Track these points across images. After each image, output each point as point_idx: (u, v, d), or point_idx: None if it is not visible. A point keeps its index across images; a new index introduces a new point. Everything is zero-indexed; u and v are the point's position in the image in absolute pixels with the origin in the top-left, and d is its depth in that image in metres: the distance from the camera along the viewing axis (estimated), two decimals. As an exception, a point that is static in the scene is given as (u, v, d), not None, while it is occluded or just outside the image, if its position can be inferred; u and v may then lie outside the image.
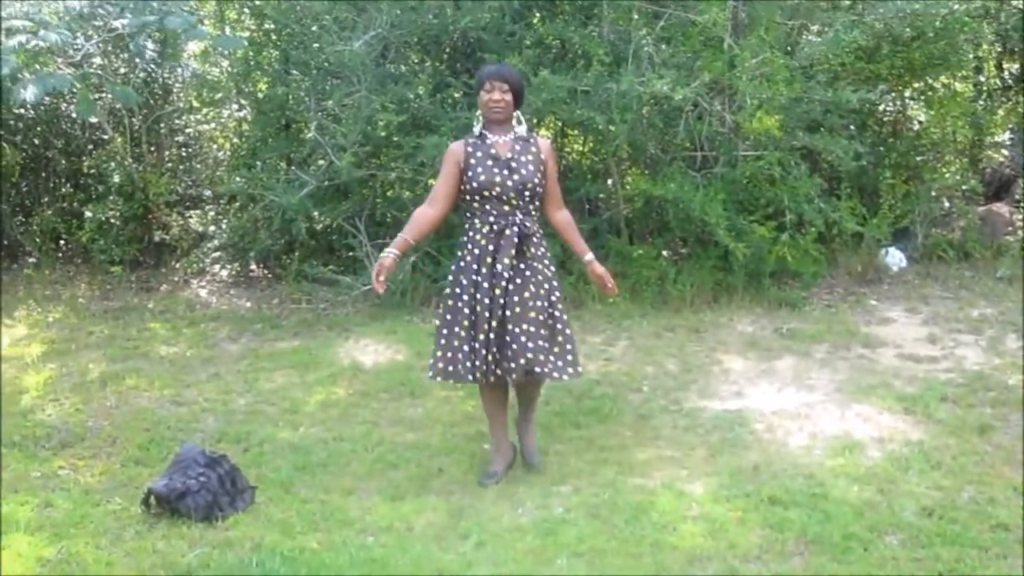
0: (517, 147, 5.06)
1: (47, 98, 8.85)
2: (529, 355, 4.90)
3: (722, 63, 8.07)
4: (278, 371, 7.11)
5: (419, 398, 6.50)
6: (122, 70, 10.07)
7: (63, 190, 10.72)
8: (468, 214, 5.13)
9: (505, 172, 4.98)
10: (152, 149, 10.41)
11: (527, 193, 5.01)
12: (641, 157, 9.11)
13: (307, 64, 8.93)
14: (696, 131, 8.43)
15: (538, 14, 8.94)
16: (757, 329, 7.81)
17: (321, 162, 8.62)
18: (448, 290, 5.15)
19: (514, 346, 4.91)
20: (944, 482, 5.09)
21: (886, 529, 4.61)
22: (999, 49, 10.81)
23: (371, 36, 8.32)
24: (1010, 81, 11.15)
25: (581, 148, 9.91)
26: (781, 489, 5.00)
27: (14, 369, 7.17)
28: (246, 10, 10.06)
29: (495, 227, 5.00)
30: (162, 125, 10.53)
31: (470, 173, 5.00)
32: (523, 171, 5.00)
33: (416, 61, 9.36)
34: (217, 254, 9.88)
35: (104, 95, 9.85)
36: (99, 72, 9.44)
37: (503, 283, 4.95)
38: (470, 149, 5.06)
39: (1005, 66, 11.20)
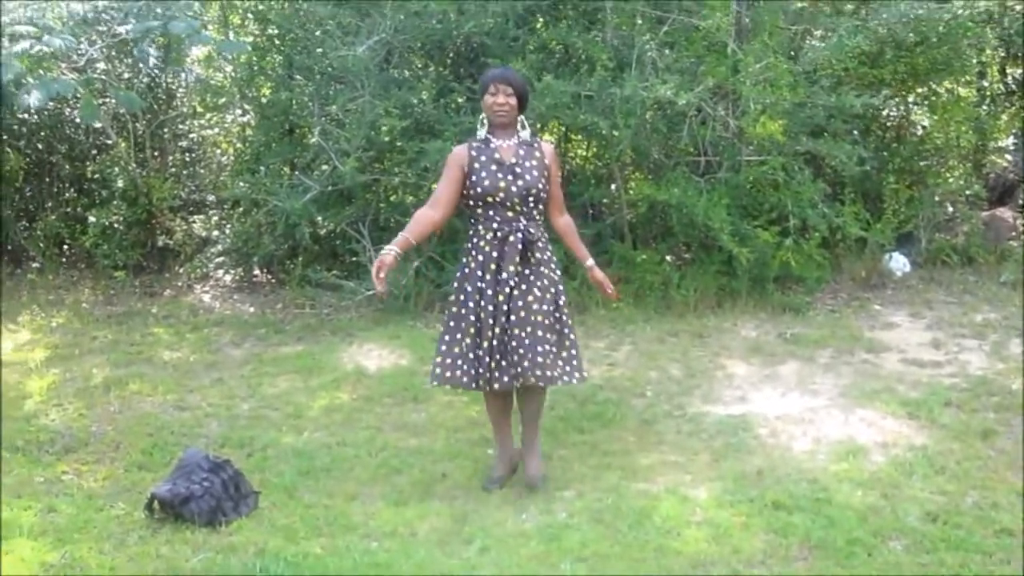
0: (521, 152, 5.02)
1: (51, 103, 8.87)
2: (535, 359, 4.86)
3: (726, 68, 8.06)
4: (282, 376, 7.12)
5: (423, 403, 6.50)
6: (126, 75, 10.08)
7: (67, 195, 10.73)
8: (472, 220, 5.09)
9: (509, 177, 4.95)
10: (156, 154, 10.41)
11: (531, 199, 4.98)
12: (645, 162, 9.11)
13: (311, 69, 8.94)
14: (700, 136, 8.43)
15: (542, 19, 8.94)
16: (761, 334, 7.81)
17: (325, 167, 8.63)
18: (453, 297, 5.12)
19: (520, 351, 4.87)
20: (948, 487, 5.08)
21: (890, 534, 4.61)
22: (1002, 54, 10.80)
23: (375, 41, 8.33)
24: (1013, 86, 11.14)
25: (585, 153, 9.91)
26: (785, 494, 5.00)
27: (17, 374, 7.17)
28: (250, 15, 10.07)
29: (499, 233, 4.96)
30: (166, 130, 10.53)
31: (474, 178, 4.96)
32: (527, 176, 4.96)
33: (420, 66, 9.37)
34: (221, 259, 9.88)
35: (108, 100, 9.86)
36: (103, 77, 9.45)
37: (507, 290, 4.92)
38: (474, 153, 5.01)
39: (1008, 71, 11.18)
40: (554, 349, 4.98)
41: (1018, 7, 9.45)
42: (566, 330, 5.09)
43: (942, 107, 9.88)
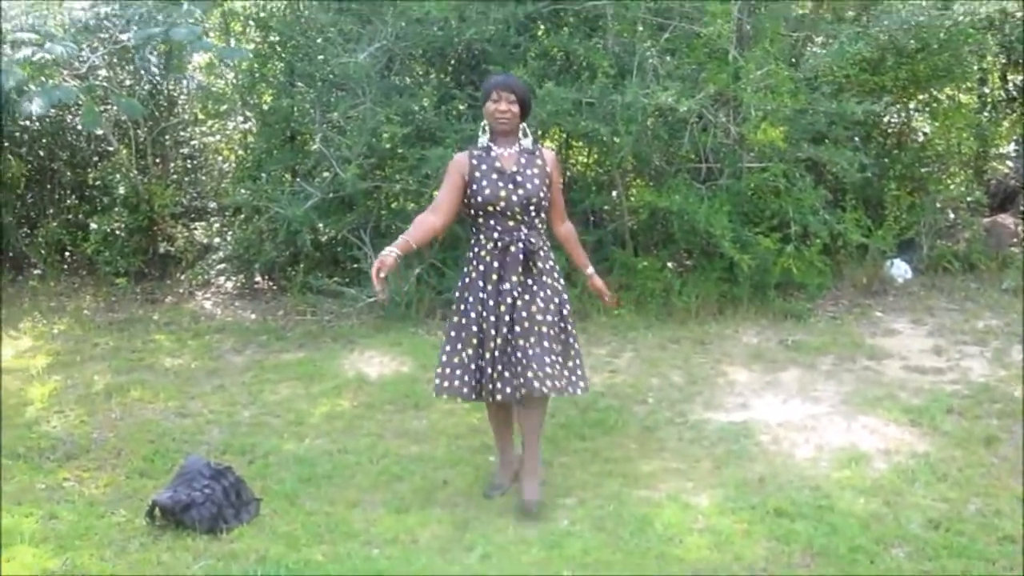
0: (523, 160, 4.96)
1: (52, 110, 8.88)
2: (539, 371, 4.80)
3: (727, 75, 8.06)
4: (283, 383, 7.11)
5: (424, 410, 6.49)
6: (127, 82, 10.10)
7: (68, 202, 10.75)
8: (473, 229, 5.05)
9: (510, 186, 4.89)
10: (157, 161, 10.42)
11: (532, 208, 4.93)
12: (646, 169, 9.11)
13: (312, 76, 8.95)
14: (701, 143, 8.43)
15: (543, 26, 8.93)
16: (762, 341, 7.80)
17: (326, 174, 8.63)
18: (454, 306, 5.09)
19: (524, 361, 4.81)
20: (950, 494, 5.08)
21: (892, 541, 4.61)
22: (1003, 61, 10.81)
23: (376, 48, 8.33)
24: (1015, 93, 11.15)
25: (586, 160, 9.91)
26: (787, 501, 4.99)
27: (19, 381, 7.17)
28: (251, 22, 10.07)
29: (499, 243, 4.92)
30: (167, 137, 10.54)
31: (475, 187, 4.91)
32: (528, 185, 4.90)
33: (421, 73, 9.37)
34: (222, 266, 9.88)
35: (109, 107, 9.87)
36: (104, 84, 9.46)
37: (509, 300, 4.87)
38: (475, 162, 4.96)
39: (1010, 78, 11.20)
40: (559, 359, 4.93)
41: (1019, 14, 9.45)
42: (570, 340, 5.06)
43: (943, 114, 9.89)
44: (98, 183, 10.44)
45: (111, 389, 6.96)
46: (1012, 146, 11.24)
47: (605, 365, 7.29)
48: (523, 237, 4.91)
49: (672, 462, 5.62)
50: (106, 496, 5.29)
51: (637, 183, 9.42)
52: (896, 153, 9.90)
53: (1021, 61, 10.67)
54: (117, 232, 9.95)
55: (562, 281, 5.11)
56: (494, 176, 4.91)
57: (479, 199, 4.89)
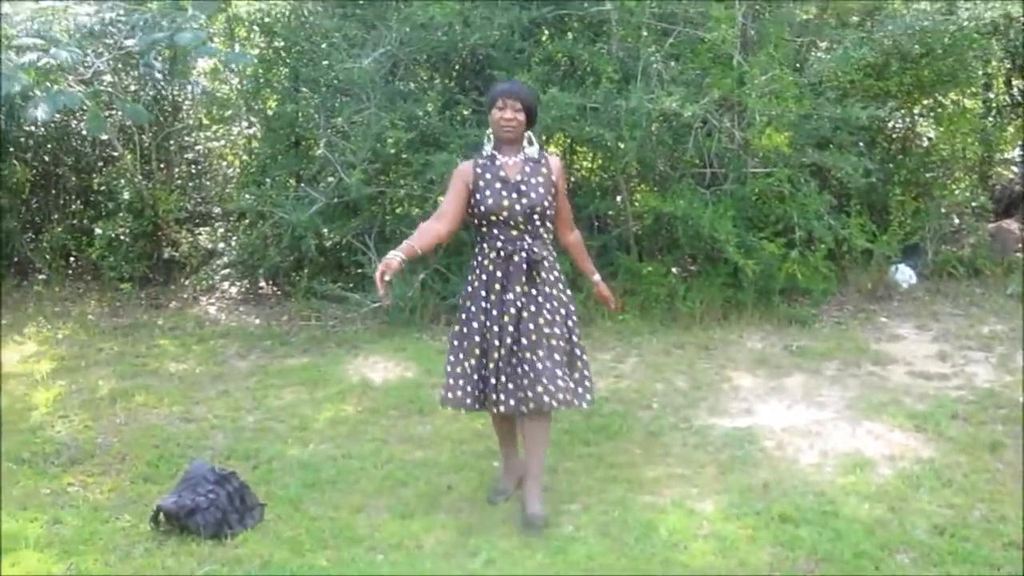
0: (527, 169, 4.90)
1: (57, 115, 8.89)
2: (548, 385, 4.76)
3: (731, 80, 8.06)
4: (287, 388, 7.11)
5: (428, 415, 6.49)
6: (132, 88, 10.11)
7: (73, 207, 10.76)
8: (478, 238, 5.00)
9: (514, 195, 4.83)
10: (162, 166, 10.44)
11: (536, 217, 4.86)
12: (650, 174, 9.12)
13: (316, 81, 8.97)
14: (705, 148, 8.43)
15: (547, 31, 8.94)
16: (767, 346, 7.80)
17: (330, 179, 8.63)
18: (458, 315, 5.06)
19: (532, 375, 4.76)
20: (955, 500, 5.07)
21: (897, 547, 4.60)
22: (1008, 66, 10.81)
23: (380, 53, 8.34)
24: (1019, 98, 11.14)
25: (590, 165, 9.91)
26: (791, 507, 4.99)
27: (24, 386, 7.18)
28: (256, 27, 10.08)
29: (502, 252, 4.86)
30: (172, 142, 10.55)
31: (478, 196, 4.86)
32: (532, 194, 4.84)
33: (425, 78, 9.38)
34: (226, 271, 9.89)
35: (114, 112, 9.89)
36: (109, 90, 9.47)
37: (513, 311, 4.82)
38: (479, 171, 4.90)
39: (1015, 83, 11.19)
40: (566, 372, 4.87)
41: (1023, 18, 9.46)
42: (576, 351, 5.01)
43: (948, 119, 9.88)
44: (103, 188, 10.46)
45: (115, 394, 6.96)
46: (1017, 151, 11.24)
47: (610, 370, 7.28)
48: (526, 247, 4.85)
49: (676, 468, 5.61)
50: (110, 501, 5.29)
51: (641, 188, 9.43)
52: (901, 158, 9.90)
53: (1026, 66, 10.69)
54: (122, 237, 9.96)
55: (568, 292, 5.05)
56: (498, 185, 4.85)
57: (482, 208, 4.84)
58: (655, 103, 7.78)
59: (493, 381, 4.85)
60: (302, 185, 9.06)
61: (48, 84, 8.14)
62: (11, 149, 10.20)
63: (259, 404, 6.80)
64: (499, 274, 4.86)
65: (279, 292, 9.70)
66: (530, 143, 4.96)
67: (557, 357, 4.83)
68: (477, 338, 4.89)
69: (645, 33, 8.36)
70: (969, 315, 8.46)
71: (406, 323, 8.39)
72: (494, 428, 5.30)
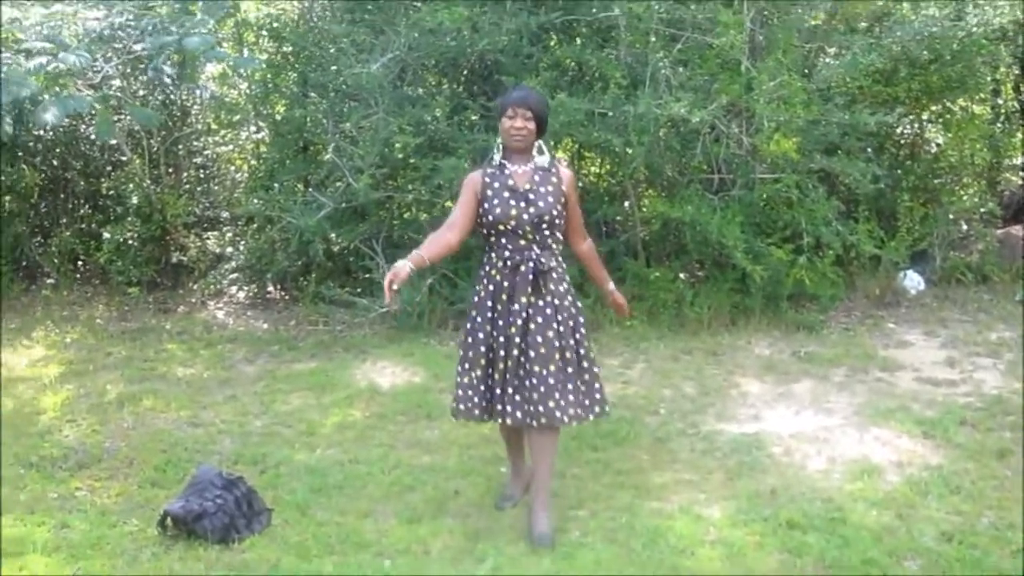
0: (536, 178, 4.84)
1: (66, 120, 8.91)
2: (560, 401, 4.73)
3: (739, 86, 8.06)
4: (295, 393, 7.12)
5: (436, 420, 6.48)
6: (141, 92, 10.13)
7: (81, 211, 10.78)
8: (486, 248, 4.95)
9: (522, 204, 4.78)
10: (170, 171, 10.46)
11: (544, 226, 4.80)
12: (658, 179, 9.11)
13: (325, 86, 8.97)
14: (713, 153, 8.43)
15: (555, 37, 8.95)
16: (775, 352, 7.79)
17: (338, 184, 8.63)
18: (465, 325, 5.01)
19: (541, 389, 4.71)
20: (963, 507, 5.06)
21: (905, 554, 4.59)
22: (1017, 72, 10.79)
23: (389, 58, 8.35)
24: (1028, 104, 11.14)
25: (598, 170, 9.92)
26: (799, 513, 4.98)
27: (32, 390, 7.19)
28: (264, 32, 10.10)
29: (509, 262, 4.80)
30: (180, 147, 10.58)
31: (486, 205, 4.81)
32: (540, 203, 4.78)
33: (433, 83, 9.39)
34: (234, 275, 9.90)
35: (123, 117, 9.91)
36: (118, 94, 9.49)
37: (520, 322, 4.76)
38: (487, 180, 4.85)
39: (1023, 89, 11.17)
40: (571, 386, 4.81)
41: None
42: (584, 363, 4.92)
43: (956, 125, 9.89)
44: (111, 193, 10.48)
45: (123, 398, 6.97)
46: (1025, 157, 11.23)
47: (617, 376, 7.28)
48: (534, 257, 4.79)
49: (684, 474, 5.60)
50: (118, 506, 5.29)
51: (649, 194, 9.42)
52: (909, 164, 9.89)
53: (1034, 72, 10.67)
54: (130, 242, 9.99)
55: (578, 303, 4.98)
56: (506, 194, 4.80)
57: (490, 217, 4.79)
58: (663, 109, 7.78)
59: (499, 392, 4.82)
60: (310, 190, 9.08)
61: (57, 88, 8.16)
62: (20, 153, 10.23)
63: (267, 409, 6.81)
64: (506, 284, 4.81)
65: (287, 297, 9.72)
66: (540, 152, 4.90)
67: (569, 370, 4.79)
68: (483, 348, 4.84)
69: (653, 39, 8.34)
70: (977, 321, 8.45)
71: (414, 328, 8.39)
72: (501, 435, 5.27)
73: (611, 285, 5.28)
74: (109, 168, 10.65)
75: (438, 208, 8.74)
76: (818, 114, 8.14)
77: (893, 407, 6.49)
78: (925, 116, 10.16)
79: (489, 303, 4.85)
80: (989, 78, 10.27)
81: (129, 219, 10.03)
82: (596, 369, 4.99)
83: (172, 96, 10.45)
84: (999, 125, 10.83)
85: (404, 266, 4.60)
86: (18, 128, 9.69)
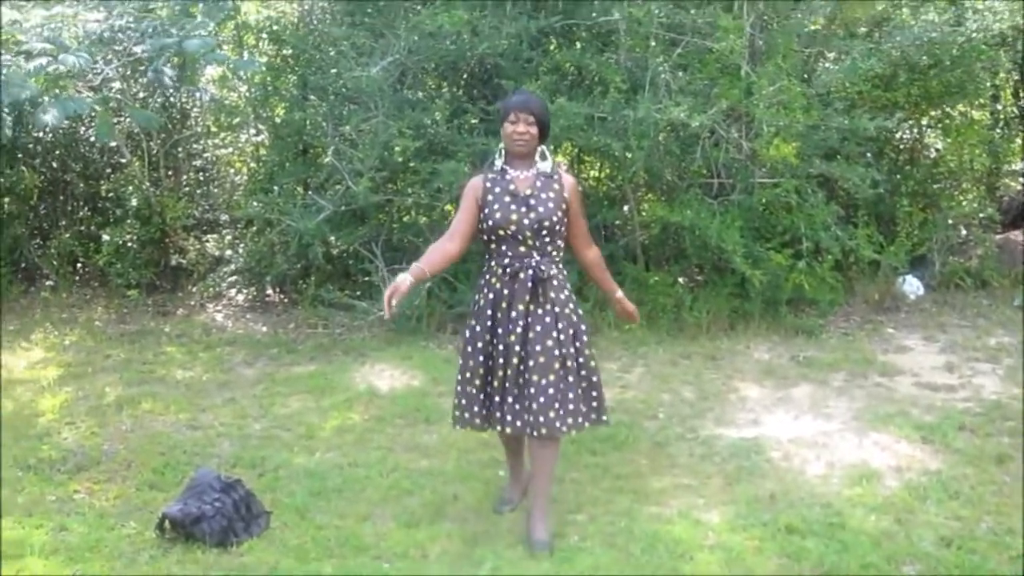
0: (538, 183, 4.80)
1: (66, 122, 8.90)
2: (559, 410, 4.70)
3: (739, 90, 8.07)
4: (294, 396, 7.11)
5: (434, 424, 6.48)
6: (141, 95, 10.13)
7: (81, 213, 10.79)
8: (487, 255, 4.91)
9: (523, 209, 4.73)
10: (170, 173, 10.46)
11: (544, 232, 4.76)
12: (658, 184, 9.12)
13: (325, 89, 8.98)
14: (713, 158, 8.43)
15: (555, 41, 8.96)
16: (774, 357, 7.79)
17: (338, 187, 8.63)
18: (464, 333, 4.98)
19: (542, 398, 4.67)
20: (962, 512, 5.06)
21: (904, 559, 4.59)
22: (1016, 77, 10.80)
23: (388, 62, 8.35)
24: (1027, 109, 11.15)
25: (598, 174, 9.92)
26: (798, 518, 4.98)
27: (30, 392, 7.18)
28: (264, 35, 10.10)
29: (508, 269, 4.76)
30: (180, 149, 10.58)
31: (487, 210, 4.77)
32: (541, 208, 4.74)
33: (433, 87, 9.39)
34: (233, 278, 9.90)
35: (122, 119, 9.91)
36: (118, 96, 9.49)
37: (519, 330, 4.72)
38: (488, 184, 4.82)
39: (1022, 94, 11.18)
40: (572, 395, 4.77)
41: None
42: (584, 372, 4.87)
43: (956, 130, 9.90)
44: (111, 195, 10.48)
45: (122, 401, 6.96)
46: (1024, 163, 11.24)
47: (616, 380, 7.28)
48: (534, 264, 4.75)
49: (683, 478, 5.60)
50: (116, 508, 5.29)
51: (649, 198, 9.43)
52: (908, 169, 9.91)
53: (1034, 78, 10.68)
54: (129, 244, 9.98)
55: (579, 311, 4.93)
56: (507, 199, 4.76)
57: (490, 223, 4.75)
58: (663, 113, 7.79)
59: (498, 400, 4.79)
60: (310, 193, 9.08)
61: (57, 90, 8.16)
62: (20, 155, 10.23)
63: (265, 412, 6.81)
64: (505, 292, 4.77)
65: (286, 300, 9.71)
66: (543, 157, 4.87)
67: (569, 379, 4.76)
68: (481, 357, 4.81)
69: (653, 43, 8.36)
70: (976, 327, 8.45)
71: (413, 332, 8.39)
72: (500, 439, 5.23)
73: (619, 293, 5.20)
74: (108, 170, 10.65)
75: (437, 211, 8.75)
76: (817, 119, 8.14)
77: (892, 412, 6.49)
78: (924, 121, 10.17)
79: (489, 311, 4.81)
80: (988, 83, 10.28)
81: (128, 221, 10.03)
82: (596, 377, 4.93)
83: (172, 98, 10.44)
84: (998, 130, 10.83)
85: (404, 280, 4.55)
86: (18, 130, 9.70)
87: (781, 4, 8.68)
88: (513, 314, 4.73)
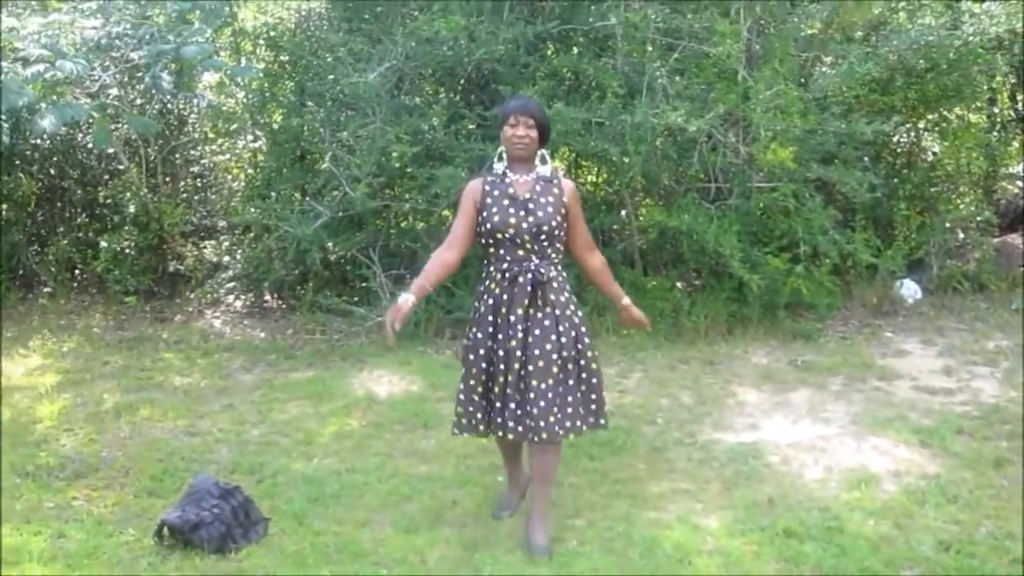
0: (537, 188, 4.77)
1: (63, 128, 8.91)
2: (558, 414, 4.68)
3: (736, 95, 8.07)
4: (292, 402, 7.11)
5: (433, 429, 6.48)
6: (138, 101, 10.13)
7: (79, 220, 10.78)
8: (485, 260, 4.87)
9: (521, 213, 4.70)
10: (167, 179, 10.46)
11: (543, 236, 4.72)
12: (655, 188, 9.13)
13: (322, 95, 8.98)
14: (710, 162, 8.44)
15: (552, 46, 8.97)
16: (772, 361, 7.79)
17: (335, 193, 8.64)
18: (465, 341, 4.94)
19: (542, 403, 4.64)
20: (961, 516, 5.06)
21: (903, 564, 4.59)
22: (1013, 81, 10.81)
23: (386, 68, 8.36)
24: (1024, 112, 11.16)
25: (595, 179, 9.92)
26: (796, 522, 4.98)
27: (28, 399, 7.18)
28: (261, 41, 10.11)
29: (507, 274, 4.73)
30: (177, 156, 10.58)
31: (485, 214, 4.74)
32: (540, 213, 4.71)
33: (430, 93, 9.40)
34: (231, 284, 9.90)
35: (120, 125, 9.91)
36: (116, 103, 9.50)
37: (519, 335, 4.69)
38: (487, 188, 4.79)
39: (1019, 97, 11.20)
40: (570, 398, 4.76)
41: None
42: (584, 375, 4.84)
43: (953, 133, 9.90)
44: (108, 201, 10.48)
45: (120, 407, 6.96)
46: (1022, 166, 11.23)
47: (614, 385, 7.27)
48: (532, 267, 4.72)
49: (681, 483, 5.60)
50: (115, 515, 5.28)
51: (646, 203, 9.43)
52: (906, 173, 9.91)
53: (1030, 81, 10.69)
54: (127, 250, 9.98)
55: (580, 314, 4.89)
56: (505, 202, 4.73)
57: (488, 226, 4.72)
58: (660, 118, 7.79)
59: (499, 405, 4.75)
60: (307, 199, 9.08)
61: (55, 96, 8.16)
62: (17, 162, 10.23)
63: (264, 418, 6.80)
64: (505, 297, 4.74)
65: (284, 306, 9.71)
66: (543, 161, 4.84)
67: (569, 383, 4.74)
68: (484, 364, 4.77)
69: (650, 48, 8.37)
70: (974, 330, 8.46)
71: (411, 337, 8.38)
72: (497, 445, 5.20)
73: (626, 300, 5.14)
74: (106, 177, 10.65)
75: (435, 217, 8.75)
76: (815, 123, 8.15)
77: (890, 416, 6.49)
78: (921, 125, 10.17)
79: (489, 317, 4.77)
80: (985, 87, 10.28)
81: (126, 228, 10.04)
82: (596, 380, 4.89)
83: (169, 105, 10.44)
84: (995, 134, 10.84)
85: (406, 301, 4.54)
86: (15, 137, 9.70)
87: (777, 8, 8.69)
88: (512, 318, 4.70)
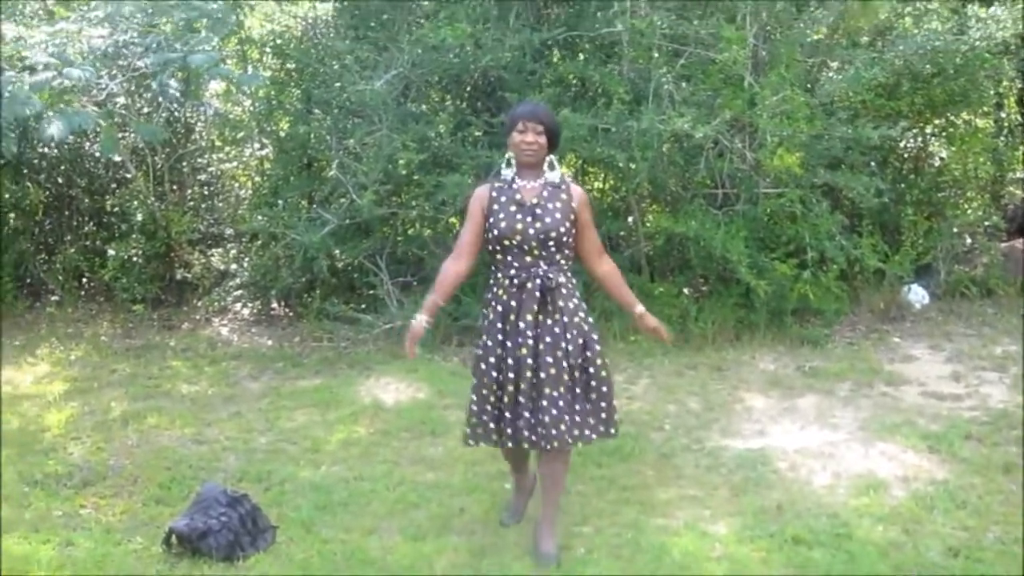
0: (545, 193, 4.73)
1: (71, 137, 8.92)
2: (568, 421, 4.65)
3: (742, 101, 8.07)
4: (299, 410, 7.11)
5: (440, 437, 6.48)
6: (145, 109, 10.15)
7: (86, 228, 10.80)
8: (493, 267, 4.84)
9: (529, 219, 4.66)
10: (174, 188, 10.48)
11: (551, 243, 4.68)
12: (662, 194, 9.12)
13: (329, 103, 8.98)
14: (717, 168, 8.44)
15: (558, 53, 8.97)
16: (779, 367, 7.78)
17: (342, 200, 8.64)
18: (476, 351, 4.90)
19: (552, 411, 4.62)
20: (969, 522, 5.05)
21: (911, 570, 4.58)
22: (1020, 85, 10.80)
23: (392, 75, 8.36)
24: (1031, 117, 11.15)
25: (602, 185, 9.91)
26: (805, 529, 4.97)
27: (36, 407, 7.19)
28: (268, 49, 10.12)
29: (515, 280, 4.69)
30: (184, 164, 10.60)
31: (492, 220, 4.71)
32: (548, 219, 4.66)
33: (437, 100, 9.41)
34: (239, 292, 9.91)
35: (127, 134, 9.92)
36: (123, 111, 9.51)
37: (529, 342, 4.65)
38: (494, 194, 4.76)
39: (1026, 102, 11.20)
40: (580, 407, 4.73)
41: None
42: (594, 382, 4.79)
43: (960, 138, 9.90)
44: (116, 210, 10.50)
45: (128, 416, 6.97)
46: (1029, 171, 11.23)
47: (622, 392, 7.25)
48: (541, 273, 4.68)
49: (689, 490, 5.59)
50: (123, 523, 5.29)
51: (653, 209, 9.41)
52: (913, 178, 9.91)
53: (1038, 86, 10.68)
54: (134, 259, 10.00)
55: (590, 319, 4.84)
56: (512, 208, 4.69)
57: (495, 232, 4.69)
58: (666, 124, 7.79)
59: (509, 415, 4.71)
60: (314, 206, 9.08)
61: (62, 104, 8.17)
62: (25, 171, 10.25)
63: (271, 426, 6.80)
64: (513, 304, 4.70)
65: (291, 313, 9.72)
66: (551, 167, 4.79)
67: (577, 390, 4.72)
68: (495, 373, 4.73)
69: (656, 54, 8.36)
70: (982, 335, 8.44)
71: (418, 344, 8.35)
72: (503, 453, 5.15)
73: (640, 308, 5.03)
74: (113, 185, 10.68)
75: (442, 224, 8.76)
76: (821, 129, 8.15)
77: (898, 422, 6.48)
78: (928, 130, 10.17)
79: (499, 325, 4.74)
80: (992, 92, 10.29)
81: (133, 236, 10.05)
82: (606, 389, 4.83)
83: (176, 113, 10.46)
84: (1002, 138, 10.83)
85: (420, 323, 4.62)
86: (23, 145, 9.73)
87: (784, 14, 8.68)
88: (522, 325, 4.67)
